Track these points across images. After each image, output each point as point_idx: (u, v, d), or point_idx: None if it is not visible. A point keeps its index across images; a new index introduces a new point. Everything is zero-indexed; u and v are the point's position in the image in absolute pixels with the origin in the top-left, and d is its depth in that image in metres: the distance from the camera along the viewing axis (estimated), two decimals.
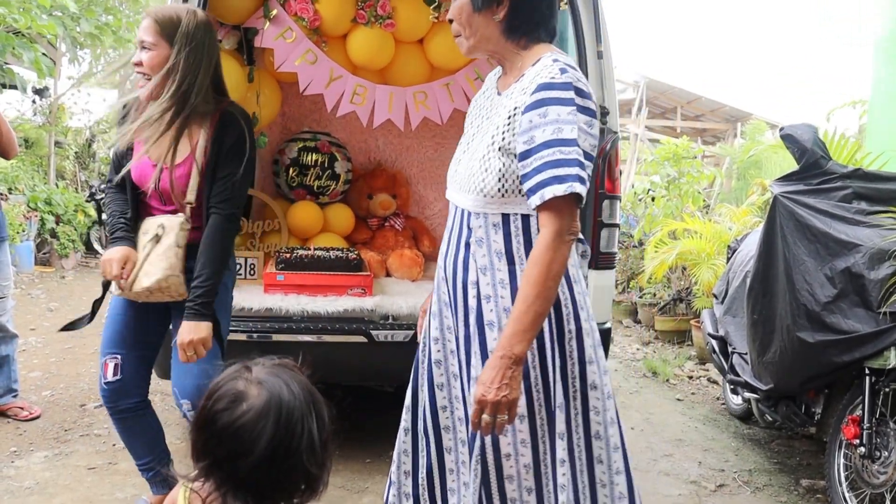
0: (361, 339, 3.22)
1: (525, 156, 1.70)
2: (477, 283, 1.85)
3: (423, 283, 3.84)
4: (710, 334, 4.33)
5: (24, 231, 8.34)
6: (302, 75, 3.57)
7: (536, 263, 1.67)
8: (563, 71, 1.71)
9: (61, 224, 9.28)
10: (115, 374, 2.45)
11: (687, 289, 6.38)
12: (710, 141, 17.93)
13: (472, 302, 1.86)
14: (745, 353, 3.80)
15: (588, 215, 3.41)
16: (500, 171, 1.77)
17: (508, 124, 1.76)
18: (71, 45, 8.57)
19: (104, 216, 2.32)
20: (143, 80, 2.30)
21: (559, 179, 1.63)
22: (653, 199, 7.20)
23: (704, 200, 7.55)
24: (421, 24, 3.73)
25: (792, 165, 3.53)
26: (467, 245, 1.88)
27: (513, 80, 1.84)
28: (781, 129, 3.48)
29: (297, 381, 1.23)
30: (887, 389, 3.00)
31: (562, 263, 1.67)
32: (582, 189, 1.63)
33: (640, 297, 7.02)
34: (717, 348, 4.22)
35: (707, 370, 5.47)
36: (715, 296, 4.51)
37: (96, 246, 10.03)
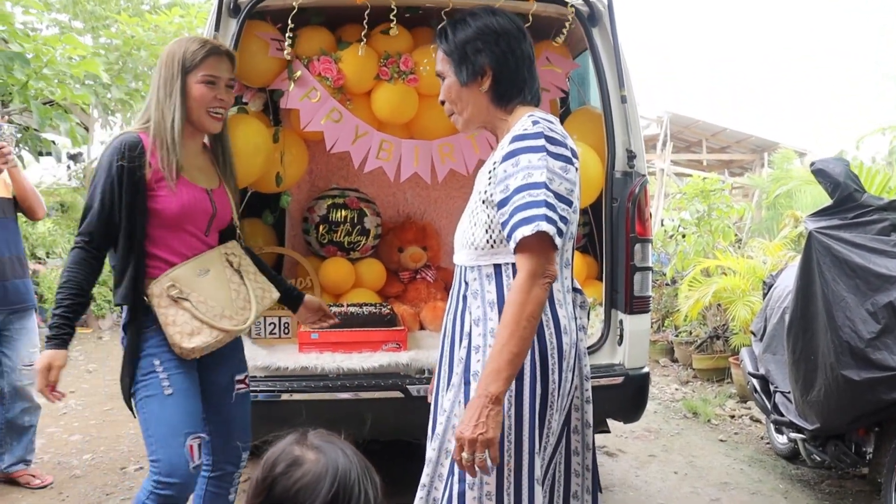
0: (398, 394, 3.21)
1: (501, 204, 1.79)
2: (469, 334, 1.91)
3: None
4: (750, 373, 4.25)
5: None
6: (328, 134, 3.61)
7: (510, 304, 1.72)
8: (535, 123, 1.82)
9: (97, 285, 9.43)
10: (200, 455, 2.28)
11: (723, 325, 6.28)
12: (737, 172, 17.80)
13: (462, 353, 1.92)
14: (789, 392, 3.72)
15: (620, 260, 3.40)
16: (485, 222, 1.88)
17: (489, 179, 1.87)
18: (103, 112, 8.80)
19: (60, 283, 2.23)
20: (219, 115, 2.37)
21: (527, 220, 1.70)
22: (683, 236, 7.14)
23: (736, 235, 7.47)
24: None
25: (821, 193, 3.49)
26: (464, 298, 1.95)
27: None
28: (812, 164, 3.45)
29: (350, 448, 1.26)
30: None
31: (536, 304, 1.71)
32: (548, 227, 1.68)
33: (677, 336, 6.92)
34: (758, 387, 4.14)
35: (749, 408, 5.36)
36: (753, 333, 4.44)
37: None
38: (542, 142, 1.77)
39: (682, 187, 7.72)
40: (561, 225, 1.71)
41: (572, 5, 3.32)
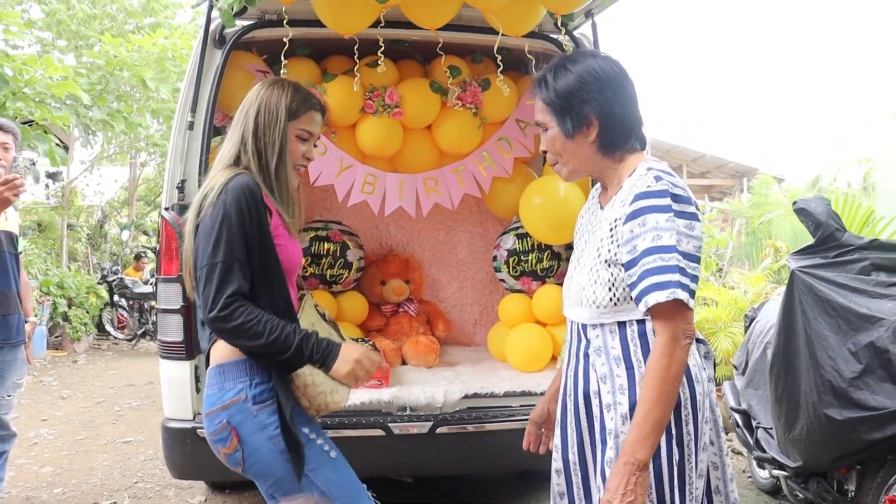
0: (380, 432, 3.17)
1: (629, 265, 1.73)
2: (598, 392, 1.87)
3: (440, 369, 3.80)
4: (732, 408, 4.24)
5: (36, 316, 8.36)
6: (312, 166, 3.58)
7: (653, 368, 1.69)
8: (657, 179, 1.74)
9: (73, 307, 9.32)
10: None
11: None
12: (717, 197, 17.97)
13: (595, 411, 1.88)
14: (771, 428, 3.72)
15: None
16: (609, 281, 1.81)
17: (611, 236, 1.80)
18: (83, 132, 8.74)
19: (263, 340, 1.88)
20: (301, 170, 2.24)
21: (660, 286, 1.66)
22: None
23: (717, 264, 7.52)
24: (429, 112, 3.77)
25: (800, 225, 3.50)
26: (586, 356, 1.90)
27: (612, 193, 1.88)
28: (795, 203, 3.47)
29: None
30: None
31: (679, 367, 1.68)
32: (684, 295, 1.65)
33: None
34: (740, 422, 4.14)
35: (731, 440, 5.35)
36: (735, 367, 4.44)
37: (108, 328, 10.04)
38: (668, 200, 1.71)
39: None
40: (693, 286, 1.68)
41: (562, 42, 3.33)
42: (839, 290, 3.13)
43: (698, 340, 1.93)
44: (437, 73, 3.74)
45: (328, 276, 4.04)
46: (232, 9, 2.97)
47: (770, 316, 4.01)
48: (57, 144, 7.31)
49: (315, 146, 2.27)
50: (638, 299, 1.71)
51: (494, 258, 4.12)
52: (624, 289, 1.79)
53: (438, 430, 3.20)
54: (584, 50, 1.89)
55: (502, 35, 3.17)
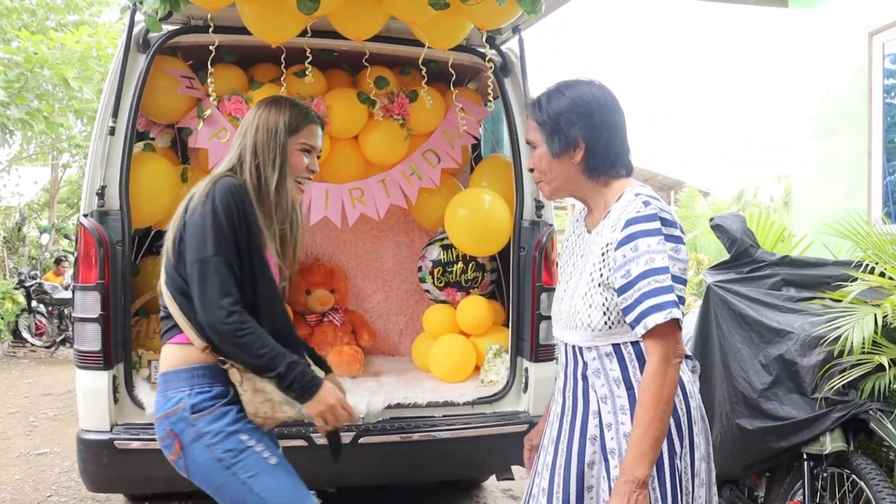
0: (301, 442, 3.15)
1: (624, 289, 1.78)
2: (598, 412, 1.92)
3: (363, 379, 3.79)
4: None
5: None
6: None
7: (648, 388, 1.75)
8: (646, 204, 1.81)
9: None
10: None
11: None
12: None
13: (594, 431, 1.92)
14: None
15: (526, 308, 3.45)
16: (603, 305, 1.86)
17: (603, 261, 1.86)
18: (0, 131, 8.44)
19: (256, 359, 1.98)
20: (303, 185, 2.27)
21: (658, 308, 1.72)
22: None
23: None
24: (355, 122, 3.76)
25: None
26: (584, 377, 1.95)
27: (600, 217, 1.93)
28: (712, 220, 3.59)
29: None
30: (825, 474, 3.04)
31: (672, 385, 1.75)
32: (679, 313, 1.72)
33: None
34: None
35: None
36: None
37: (25, 334, 9.69)
38: (657, 224, 1.78)
39: None
40: (681, 307, 1.75)
41: (489, 58, 3.37)
42: (752, 305, 3.25)
43: (686, 357, 1.99)
44: (364, 84, 3.74)
45: None
46: (157, 13, 2.92)
47: (689, 328, 4.12)
48: None
49: (318, 157, 2.31)
50: (636, 322, 1.76)
51: (420, 269, 4.14)
52: (618, 313, 1.84)
53: (361, 440, 3.20)
54: (581, 78, 1.98)
55: (429, 48, 3.20)
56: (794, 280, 3.30)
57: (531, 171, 2.04)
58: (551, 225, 3.54)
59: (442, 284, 3.99)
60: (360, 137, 3.90)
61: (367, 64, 3.53)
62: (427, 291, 4.16)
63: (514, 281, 3.50)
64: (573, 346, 1.96)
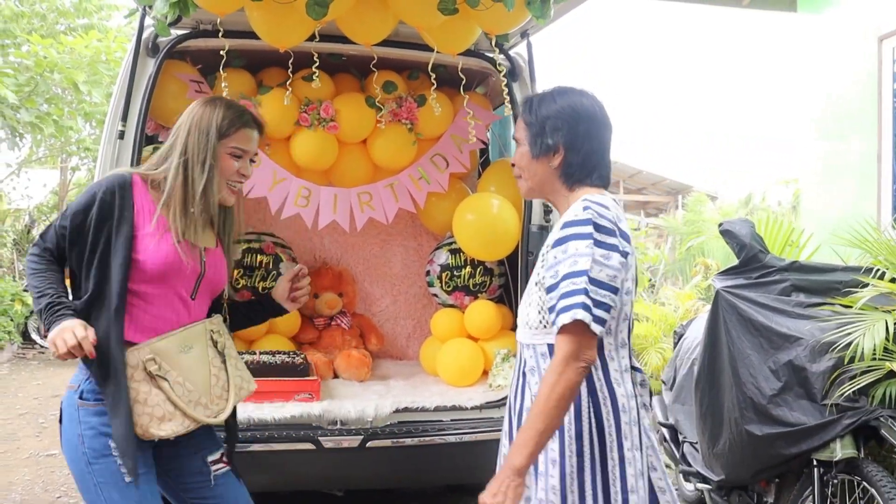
0: (310, 445, 3.16)
1: (550, 289, 1.83)
2: (530, 409, 1.92)
3: (371, 383, 3.80)
4: (660, 422, 4.33)
5: None
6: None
7: (543, 383, 1.78)
8: (585, 209, 1.85)
9: None
10: None
11: None
12: (652, 213, 18.35)
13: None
14: (696, 443, 3.81)
15: None
16: (538, 304, 1.92)
17: (542, 260, 1.91)
18: (10, 134, 8.47)
19: (31, 278, 2.04)
20: (236, 188, 2.23)
21: (566, 309, 1.76)
22: None
23: (650, 279, 7.68)
24: (364, 126, 3.77)
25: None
26: (523, 374, 1.99)
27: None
28: (721, 225, 3.57)
29: None
30: (836, 481, 3.02)
31: (566, 387, 1.75)
32: (584, 315, 1.73)
33: None
34: (668, 437, 4.23)
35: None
36: (664, 382, 4.54)
37: (34, 336, 9.72)
38: (589, 229, 1.81)
39: None
40: (598, 311, 1.75)
41: (499, 63, 3.36)
42: (761, 310, 3.24)
43: (634, 369, 2.00)
44: (372, 88, 3.75)
45: (261, 288, 3.99)
46: (166, 18, 2.93)
47: (697, 333, 4.11)
48: None
49: (252, 161, 2.25)
50: (553, 321, 1.79)
51: (427, 273, 4.14)
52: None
53: (369, 444, 3.21)
54: (575, 87, 2.04)
55: (437, 52, 3.20)
56: (804, 286, 3.28)
57: (513, 165, 2.09)
58: None
59: (450, 288, 3.99)
60: (369, 142, 3.91)
61: (375, 68, 3.53)
62: (435, 295, 4.16)
63: (522, 285, 3.50)
64: (519, 344, 2.03)
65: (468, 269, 3.94)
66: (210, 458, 2.24)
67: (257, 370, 3.32)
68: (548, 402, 1.74)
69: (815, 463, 3.01)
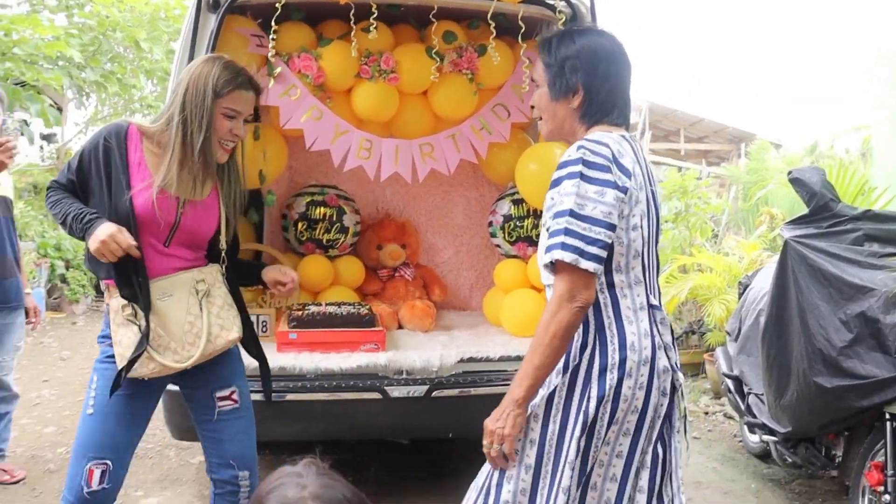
0: (376, 395, 3.21)
1: (549, 229, 1.84)
2: None
3: (436, 334, 3.83)
4: (724, 374, 4.29)
5: (34, 278, 8.36)
6: (308, 132, 3.58)
7: (540, 321, 1.82)
8: (578, 148, 1.84)
9: (71, 269, 9.32)
10: (101, 481, 2.18)
11: (698, 321, 6.34)
12: (714, 162, 17.91)
13: None
14: (762, 394, 3.77)
15: None
16: (545, 245, 1.91)
17: (546, 205, 1.90)
18: (77, 93, 8.66)
19: (52, 209, 2.23)
20: (229, 146, 2.29)
21: (549, 248, 1.80)
22: (661, 233, 7.16)
23: (713, 229, 7.53)
24: (424, 77, 3.74)
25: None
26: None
27: None
28: (790, 173, 3.48)
29: (350, 489, 1.23)
30: None
31: (560, 326, 1.77)
32: (562, 255, 1.75)
33: None
34: (732, 388, 4.19)
35: (723, 405, 5.43)
36: (728, 333, 4.49)
37: None
38: (578, 167, 1.80)
39: (662, 182, 7.75)
40: (591, 248, 1.75)
41: (560, 10, 3.30)
42: (832, 260, 3.16)
43: (652, 306, 1.95)
44: (432, 39, 3.71)
45: (324, 240, 4.05)
46: None
47: (763, 283, 4.04)
48: (50, 105, 7.26)
49: (247, 122, 2.32)
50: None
51: (490, 223, 4.13)
52: None
53: (434, 394, 3.25)
54: (592, 27, 2.01)
55: (497, 1, 3.14)
56: (877, 235, 3.19)
57: (532, 107, 2.08)
58: None
59: (513, 239, 3.98)
60: (429, 93, 3.89)
61: (434, 18, 3.49)
62: (498, 246, 4.16)
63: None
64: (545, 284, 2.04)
65: (531, 219, 3.92)
66: (218, 395, 2.37)
67: (324, 321, 3.40)
68: (542, 340, 1.78)
69: (887, 416, 2.95)
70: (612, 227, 1.79)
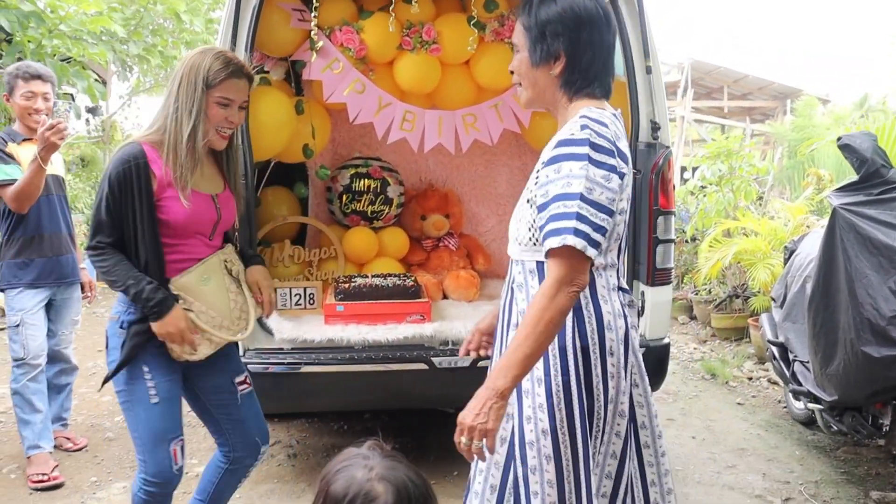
0: (423, 366, 3.26)
1: (541, 208, 1.78)
2: (516, 325, 1.94)
3: (480, 303, 3.87)
4: (769, 340, 4.28)
5: (82, 248, 8.57)
6: (351, 105, 3.61)
7: (532, 306, 1.74)
8: (583, 127, 1.77)
9: None
10: (182, 456, 2.40)
11: (742, 285, 6.30)
12: (758, 119, 17.58)
13: (509, 342, 1.94)
14: (807, 362, 3.76)
15: (643, 232, 3.41)
16: (529, 221, 1.88)
17: (535, 179, 1.85)
18: (120, 67, 8.78)
19: (107, 276, 2.27)
20: (226, 134, 2.38)
21: (556, 232, 1.71)
22: (704, 195, 7.10)
23: (758, 191, 7.42)
24: (466, 47, 3.73)
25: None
26: (511, 289, 1.99)
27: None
28: (839, 139, 3.42)
29: (414, 472, 1.28)
30: None
31: (557, 311, 1.71)
32: (575, 241, 1.69)
33: (696, 294, 6.95)
34: (777, 355, 4.18)
35: (767, 370, 5.41)
36: (773, 299, 4.45)
37: None
38: (586, 149, 1.74)
39: (706, 144, 7.63)
40: (596, 235, 1.71)
41: None
42: (882, 229, 3.11)
43: (622, 289, 1.98)
44: (473, 8, 3.69)
45: (369, 212, 4.10)
46: None
47: (810, 249, 4.00)
48: (95, 80, 7.37)
49: (242, 108, 2.40)
50: (542, 243, 1.76)
51: None
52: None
53: (480, 364, 3.28)
54: None
55: None
56: None
57: (511, 72, 1.99)
58: (667, 147, 3.45)
59: None
60: (472, 62, 3.88)
61: None
62: None
63: (630, 204, 3.46)
64: (510, 259, 2.00)
65: None
66: (237, 380, 2.55)
67: (370, 293, 3.46)
68: (537, 327, 1.70)
69: None
70: (612, 214, 1.77)
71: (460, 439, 1.73)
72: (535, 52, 1.89)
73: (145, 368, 2.31)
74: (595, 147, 1.75)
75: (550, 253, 1.73)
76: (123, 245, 2.27)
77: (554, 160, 1.77)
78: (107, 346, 2.37)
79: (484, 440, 1.71)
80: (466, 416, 1.72)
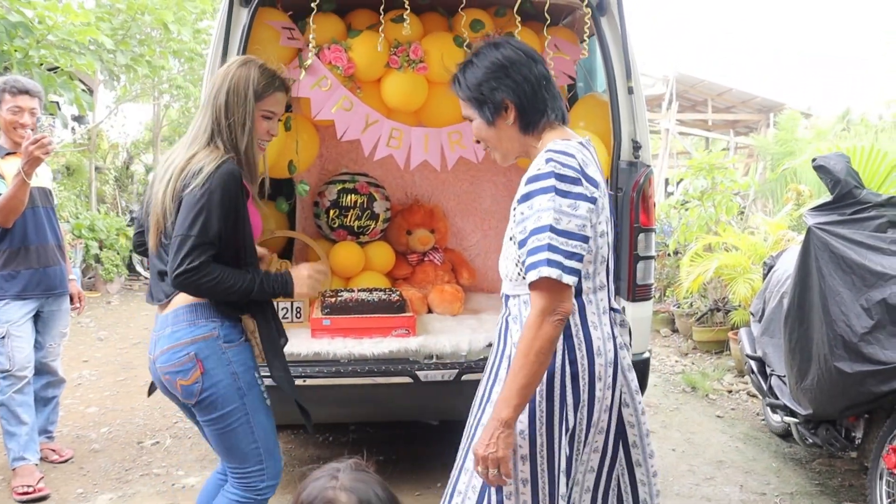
0: (407, 379, 3.32)
1: (520, 245, 1.88)
2: (510, 356, 2.00)
3: (464, 317, 3.92)
4: (748, 355, 4.36)
5: (70, 259, 8.56)
6: (339, 122, 3.67)
7: (522, 339, 1.83)
8: (547, 161, 1.87)
9: (104, 249, 9.54)
10: None
11: (723, 299, 6.39)
12: (742, 132, 17.76)
13: (503, 374, 2.02)
14: (784, 376, 3.84)
15: (623, 249, 3.48)
16: (514, 258, 1.97)
17: (513, 217, 1.94)
18: (108, 77, 8.80)
19: (218, 286, 2.13)
20: (264, 146, 2.41)
21: (533, 266, 1.81)
22: (686, 210, 7.20)
23: (739, 206, 7.53)
24: (453, 66, 3.80)
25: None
26: (506, 321, 2.07)
27: None
28: (814, 160, 3.51)
29: (380, 485, 1.33)
30: None
31: (544, 341, 1.80)
32: (550, 271, 1.77)
33: (678, 308, 7.04)
34: (755, 369, 4.26)
35: (746, 383, 5.50)
36: (752, 314, 4.54)
37: (139, 269, 10.27)
38: (552, 181, 1.83)
39: (689, 160, 7.74)
40: (570, 262, 1.78)
41: None
42: (854, 247, 3.20)
43: (613, 310, 2.06)
44: (460, 27, 3.77)
45: (356, 227, 4.16)
46: None
47: (787, 266, 4.09)
48: (83, 90, 7.39)
49: (279, 120, 2.44)
50: (525, 276, 1.84)
51: None
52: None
53: (464, 378, 3.34)
54: (487, 42, 2.03)
55: None
56: None
57: (477, 142, 2.10)
58: (648, 166, 3.53)
59: None
60: None
61: (462, 7, 3.54)
62: None
63: (612, 222, 3.53)
64: (503, 294, 2.09)
65: None
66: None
67: (356, 307, 3.51)
68: (527, 357, 1.79)
69: None
70: (586, 240, 1.85)
71: (477, 469, 1.86)
72: (485, 112, 1.99)
73: (257, 375, 2.33)
74: (560, 178, 1.84)
75: (531, 286, 1.82)
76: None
77: (526, 197, 1.87)
78: (203, 371, 2.20)
79: (499, 468, 1.82)
80: (479, 448, 1.83)
